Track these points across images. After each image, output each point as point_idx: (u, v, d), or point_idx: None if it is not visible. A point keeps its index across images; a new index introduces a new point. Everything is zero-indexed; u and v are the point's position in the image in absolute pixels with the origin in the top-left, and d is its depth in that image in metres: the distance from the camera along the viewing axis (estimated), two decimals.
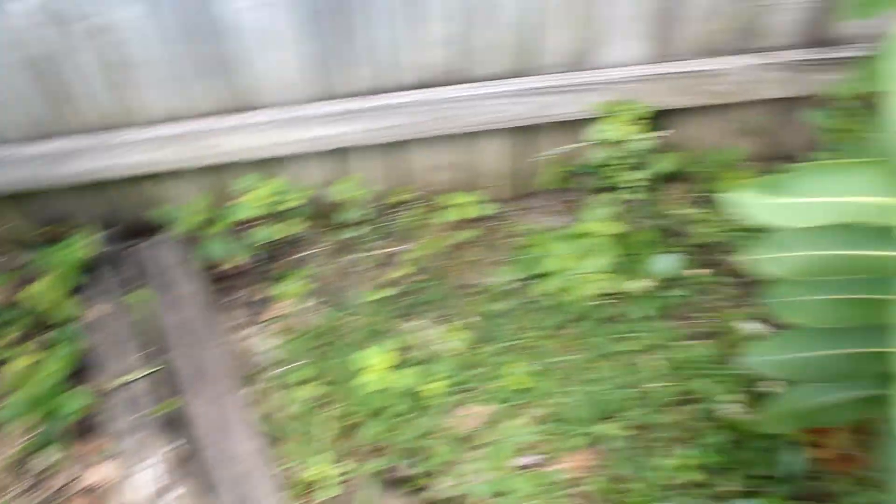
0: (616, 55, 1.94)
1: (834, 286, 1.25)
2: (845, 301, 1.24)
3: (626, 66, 1.95)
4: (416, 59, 1.87)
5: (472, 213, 2.13)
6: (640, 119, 1.97)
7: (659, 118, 2.09)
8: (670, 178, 2.22)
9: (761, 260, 1.25)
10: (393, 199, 2.17)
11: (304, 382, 1.95)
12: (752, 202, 1.13)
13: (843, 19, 1.52)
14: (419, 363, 1.96)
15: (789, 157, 2.26)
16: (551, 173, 2.13)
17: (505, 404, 1.91)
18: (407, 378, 1.89)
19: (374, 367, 1.88)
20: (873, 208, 1.09)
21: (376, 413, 1.89)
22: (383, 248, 2.16)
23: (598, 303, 2.05)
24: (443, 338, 2.00)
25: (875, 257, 1.17)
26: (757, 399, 1.86)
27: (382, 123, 1.94)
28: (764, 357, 1.44)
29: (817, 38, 1.97)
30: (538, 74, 1.94)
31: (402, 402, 1.89)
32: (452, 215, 2.12)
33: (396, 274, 2.11)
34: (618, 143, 1.96)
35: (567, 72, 1.94)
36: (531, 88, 1.92)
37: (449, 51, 1.87)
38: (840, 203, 1.11)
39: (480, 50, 1.88)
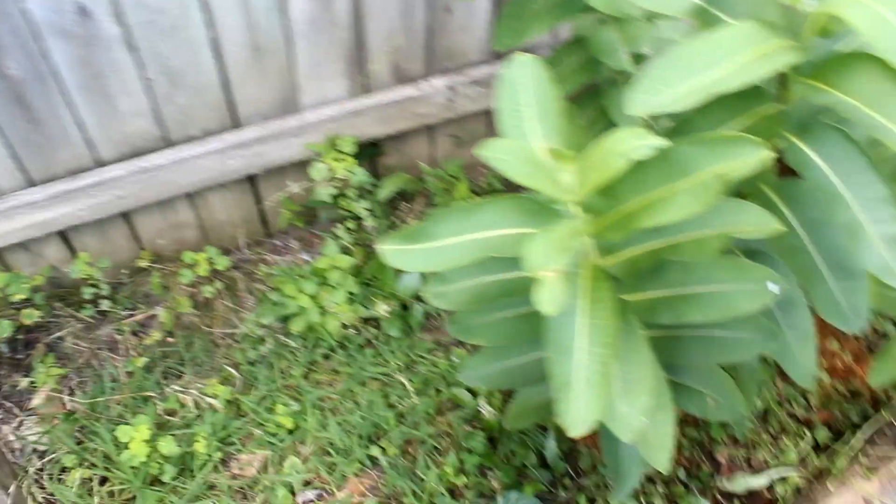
0: (319, 96, 1.92)
1: (496, 308, 1.30)
2: (509, 319, 1.30)
3: (331, 104, 1.94)
4: (120, 133, 1.80)
5: (217, 265, 2.07)
6: (356, 151, 1.98)
7: (376, 146, 2.11)
8: (401, 198, 2.24)
9: (431, 293, 1.29)
10: (137, 266, 2.08)
11: (74, 466, 1.85)
12: (394, 252, 1.14)
13: (498, 47, 1.59)
14: (186, 424, 1.91)
15: None
16: (289, 214, 2.11)
17: (275, 448, 1.89)
18: (175, 441, 1.83)
19: (139, 437, 1.82)
20: (505, 240, 1.14)
21: (151, 482, 1.83)
22: (134, 316, 2.08)
23: (349, 332, 2.05)
24: (205, 394, 1.95)
25: (518, 279, 1.23)
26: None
27: (99, 199, 1.85)
28: (471, 371, 1.48)
29: (501, 53, 2.04)
30: (247, 126, 1.91)
31: (174, 466, 1.83)
32: (198, 271, 2.06)
33: (150, 340, 2.03)
34: (341, 177, 1.96)
35: (275, 119, 1.92)
36: (241, 142, 1.88)
37: (151, 119, 1.80)
38: (475, 240, 1.15)
39: (183, 113, 1.82)
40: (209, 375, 2.00)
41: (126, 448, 1.80)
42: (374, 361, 2.02)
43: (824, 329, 1.97)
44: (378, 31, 1.86)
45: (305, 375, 1.99)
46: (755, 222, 1.14)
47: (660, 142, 1.00)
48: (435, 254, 1.15)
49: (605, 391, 1.06)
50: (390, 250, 1.15)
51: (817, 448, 1.87)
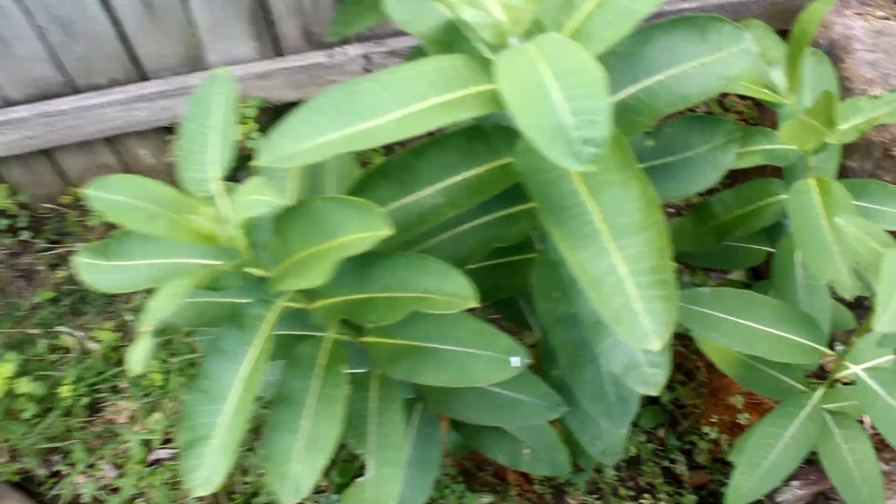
0: (227, 55, 1.85)
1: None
2: None
3: (239, 64, 1.86)
4: (23, 76, 1.80)
5: None
6: (263, 114, 1.91)
7: (287, 111, 2.02)
8: None
9: None
10: (62, 201, 2.12)
11: None
12: (86, 265, 1.10)
13: (331, 35, 1.45)
14: (62, 364, 1.96)
15: None
16: None
17: (144, 401, 1.92)
18: (40, 382, 1.89)
19: (2, 373, 1.86)
20: (184, 270, 1.08)
21: (11, 417, 1.88)
22: (54, 250, 2.12)
23: None
24: (93, 338, 1.98)
25: (231, 304, 1.17)
26: None
27: (10, 137, 1.86)
28: None
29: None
30: (153, 80, 1.87)
31: (40, 405, 1.88)
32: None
33: (59, 276, 2.08)
34: (244, 138, 1.90)
35: (180, 75, 1.87)
36: (145, 94, 1.84)
37: (51, 66, 1.79)
38: (159, 265, 1.10)
39: (85, 62, 1.80)
40: (110, 319, 2.04)
41: None
42: None
43: (726, 381, 1.75)
44: None
45: (188, 333, 2.00)
46: (452, 294, 1.00)
47: (275, 200, 0.89)
48: (124, 272, 1.10)
49: (236, 448, 0.99)
50: (83, 263, 1.09)
51: None
